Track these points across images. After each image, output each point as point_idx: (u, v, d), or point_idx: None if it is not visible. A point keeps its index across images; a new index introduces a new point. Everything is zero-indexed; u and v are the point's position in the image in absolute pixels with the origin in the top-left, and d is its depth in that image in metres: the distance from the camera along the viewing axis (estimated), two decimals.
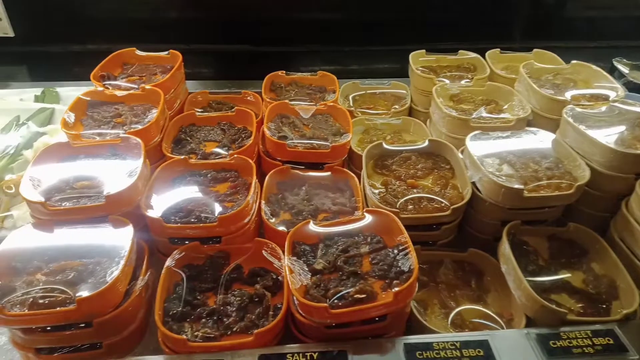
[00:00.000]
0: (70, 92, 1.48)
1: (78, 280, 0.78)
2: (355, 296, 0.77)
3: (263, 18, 1.79)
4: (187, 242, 0.90)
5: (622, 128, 1.05)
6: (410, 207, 0.98)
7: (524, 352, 0.77)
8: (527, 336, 0.79)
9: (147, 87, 1.22)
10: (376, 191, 1.02)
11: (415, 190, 1.02)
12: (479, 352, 0.75)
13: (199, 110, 1.30)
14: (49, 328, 0.74)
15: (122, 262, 0.78)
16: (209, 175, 1.06)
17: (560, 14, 1.96)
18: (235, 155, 1.07)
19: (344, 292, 0.78)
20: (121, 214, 0.89)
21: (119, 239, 0.85)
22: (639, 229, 0.90)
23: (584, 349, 0.77)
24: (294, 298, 0.76)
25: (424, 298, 0.93)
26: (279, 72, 1.45)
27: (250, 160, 1.05)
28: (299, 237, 0.88)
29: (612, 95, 1.16)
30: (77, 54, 1.78)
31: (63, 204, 0.88)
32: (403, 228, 0.86)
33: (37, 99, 1.43)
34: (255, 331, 0.74)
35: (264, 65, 1.56)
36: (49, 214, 0.86)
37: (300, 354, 0.74)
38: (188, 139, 1.19)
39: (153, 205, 0.94)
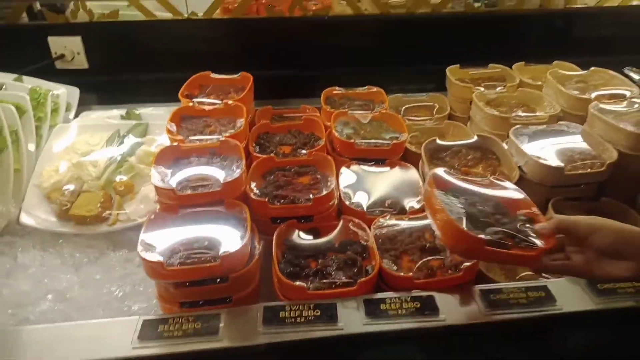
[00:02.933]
0: (148, 111, 1.71)
1: (212, 246, 0.96)
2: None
3: (307, 45, 2.03)
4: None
5: None
6: None
7: (576, 293, 0.93)
8: (577, 282, 0.96)
9: (230, 102, 1.44)
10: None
11: (467, 176, 1.21)
12: (541, 293, 0.93)
13: (269, 121, 1.51)
14: (192, 284, 0.93)
15: (248, 228, 0.97)
16: (292, 170, 1.25)
17: (572, 32, 2.18)
18: (314, 152, 1.27)
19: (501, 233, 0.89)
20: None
21: (238, 215, 1.04)
22: None
23: (627, 289, 0.93)
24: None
25: (487, 266, 1.11)
26: (333, 88, 1.67)
27: (328, 156, 1.25)
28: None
29: (628, 93, 1.36)
30: (144, 81, 2.03)
31: (186, 192, 1.08)
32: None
33: (124, 118, 1.66)
34: (359, 280, 0.92)
35: (312, 86, 1.79)
36: (177, 198, 1.06)
37: (396, 298, 0.91)
38: (266, 144, 1.39)
39: (255, 192, 1.14)
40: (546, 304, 0.91)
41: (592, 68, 1.55)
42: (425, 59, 2.01)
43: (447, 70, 1.66)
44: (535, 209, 0.97)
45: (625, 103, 1.29)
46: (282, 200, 1.11)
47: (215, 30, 1.98)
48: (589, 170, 1.12)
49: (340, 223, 1.10)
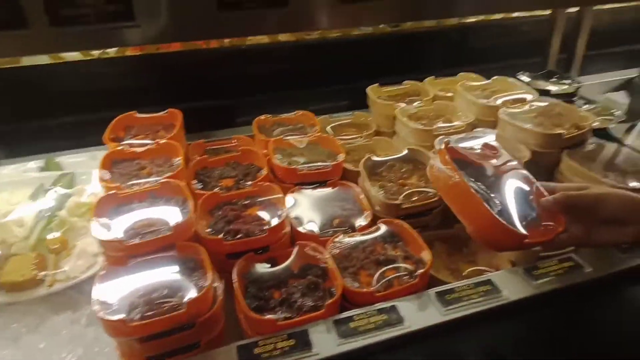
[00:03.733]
0: (69, 160, 1.61)
1: (173, 294, 0.94)
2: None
3: (228, 75, 2.05)
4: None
5: (542, 118, 1.42)
6: (407, 199, 1.25)
7: (516, 282, 1.05)
8: (516, 271, 1.07)
9: (162, 141, 1.41)
10: (378, 192, 1.28)
11: (405, 188, 1.30)
12: (488, 287, 1.02)
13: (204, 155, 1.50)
14: (157, 335, 0.89)
15: (207, 268, 0.96)
16: (239, 202, 1.26)
17: (470, 45, 2.42)
18: (259, 183, 1.28)
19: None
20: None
21: (193, 257, 1.02)
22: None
23: (557, 271, 1.06)
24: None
25: (434, 267, 1.19)
26: (264, 116, 1.70)
27: (274, 185, 1.27)
28: None
29: (528, 97, 1.55)
30: (58, 128, 1.90)
31: (133, 241, 1.04)
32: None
33: (43, 169, 1.54)
34: (326, 303, 0.95)
35: (236, 114, 1.81)
36: (126, 249, 1.01)
37: (363, 314, 0.96)
38: (207, 179, 1.38)
39: (208, 231, 1.12)
40: (494, 295, 1.01)
41: (495, 77, 1.74)
42: (344, 80, 2.12)
43: (368, 90, 1.76)
44: (536, 184, 1.04)
45: (527, 106, 1.47)
46: (236, 235, 1.11)
47: (130, 68, 1.92)
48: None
49: (296, 249, 1.12)
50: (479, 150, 1.18)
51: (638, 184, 1.17)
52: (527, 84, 1.99)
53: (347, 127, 1.79)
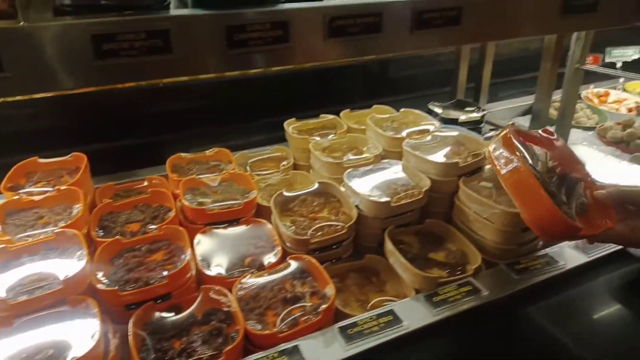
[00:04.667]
0: None
1: (58, 354, 0.88)
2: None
3: (147, 113, 2.02)
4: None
5: (444, 147, 1.50)
6: (317, 234, 1.26)
7: (418, 310, 1.08)
8: (418, 299, 1.11)
9: (62, 187, 1.34)
10: (288, 228, 1.29)
11: (316, 222, 1.31)
12: (389, 317, 1.04)
13: (111, 200, 1.44)
14: None
15: (98, 324, 0.91)
16: (143, 248, 1.21)
17: (386, 76, 2.54)
18: (165, 226, 1.25)
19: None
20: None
21: (85, 311, 0.97)
22: (468, 212, 1.31)
23: (455, 296, 1.11)
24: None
25: (343, 299, 1.20)
26: (177, 155, 1.67)
27: (180, 227, 1.24)
28: None
29: (431, 128, 1.63)
30: None
31: (20, 298, 0.97)
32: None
33: None
34: (225, 350, 0.93)
35: (157, 152, 1.77)
36: (10, 308, 0.95)
37: (265, 357, 0.94)
38: (111, 225, 1.33)
39: (103, 282, 1.07)
40: (395, 325, 1.03)
41: (402, 109, 1.83)
42: (264, 114, 2.15)
43: (285, 124, 1.79)
44: (588, 176, 1.07)
45: (429, 137, 1.55)
46: (133, 285, 1.07)
47: (41, 109, 1.84)
48: (410, 199, 1.31)
49: (201, 294, 1.09)
50: (539, 135, 1.16)
51: None
52: (438, 113, 2.11)
53: (267, 161, 1.80)
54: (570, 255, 1.27)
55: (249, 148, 1.90)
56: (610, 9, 1.36)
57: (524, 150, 1.07)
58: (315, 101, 2.22)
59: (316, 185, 1.44)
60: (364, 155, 1.55)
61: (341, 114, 1.90)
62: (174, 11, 0.90)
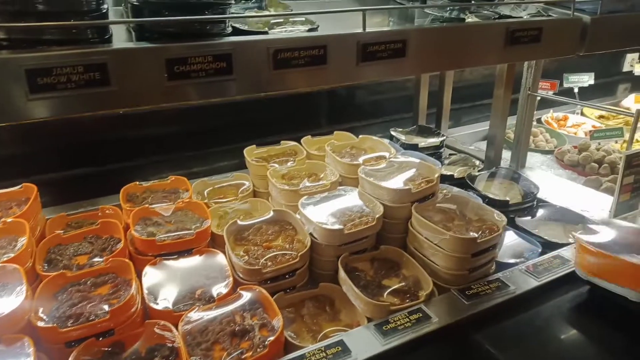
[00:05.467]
0: None
1: None
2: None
3: (103, 139, 1.99)
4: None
5: (399, 174, 1.52)
6: (270, 263, 1.25)
7: (367, 340, 1.07)
8: (368, 328, 1.10)
9: (9, 220, 1.30)
10: (240, 258, 1.27)
11: (270, 251, 1.30)
12: (338, 348, 1.03)
13: (61, 231, 1.41)
14: None
15: None
16: (88, 282, 1.18)
17: (352, 102, 2.57)
18: (111, 259, 1.22)
19: None
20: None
21: (20, 352, 0.93)
22: (421, 238, 1.32)
23: (405, 324, 1.10)
24: None
25: (296, 330, 1.18)
26: (133, 184, 1.65)
27: (126, 260, 1.21)
28: None
29: (387, 155, 1.65)
30: None
31: None
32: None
33: None
34: None
35: (114, 181, 1.74)
36: None
37: None
38: (58, 258, 1.29)
39: (44, 318, 1.03)
40: (343, 356, 1.01)
41: (361, 136, 1.86)
42: (230, 140, 2.14)
43: (245, 151, 1.79)
44: None
45: (385, 163, 1.57)
46: (75, 321, 1.03)
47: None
48: (363, 226, 1.32)
49: (145, 329, 1.06)
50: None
51: (475, 234, 1.28)
52: (399, 139, 2.15)
53: (227, 189, 1.79)
54: (521, 279, 1.29)
55: (214, 175, 1.90)
56: (554, 40, 1.42)
57: None
58: (282, 127, 2.23)
59: (271, 213, 1.44)
60: (320, 182, 1.56)
61: (302, 141, 1.91)
62: (115, 44, 0.90)
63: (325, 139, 1.95)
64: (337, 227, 1.29)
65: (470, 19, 1.34)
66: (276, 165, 1.68)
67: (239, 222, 1.39)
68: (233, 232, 1.37)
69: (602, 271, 1.23)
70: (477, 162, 2.05)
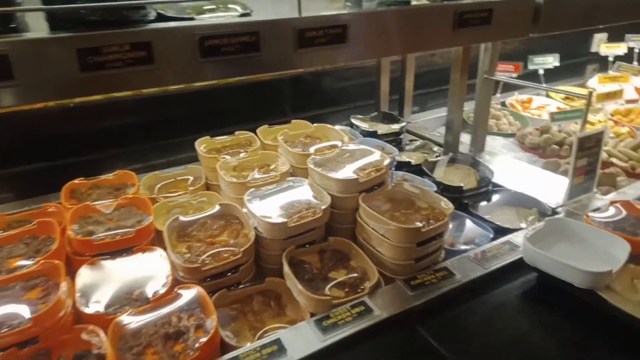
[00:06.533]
0: None
1: None
2: None
3: (55, 133, 1.91)
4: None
5: (350, 163, 1.49)
6: (211, 260, 1.21)
7: (306, 337, 1.04)
8: (309, 324, 1.07)
9: None
10: (181, 256, 1.23)
11: (213, 247, 1.26)
12: (274, 347, 1.00)
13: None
14: None
15: None
16: (17, 286, 1.12)
17: (317, 88, 2.51)
18: (42, 261, 1.16)
19: None
20: None
21: None
22: (368, 229, 1.29)
23: (346, 318, 1.08)
24: None
25: (236, 328, 1.15)
26: (77, 180, 1.58)
27: (57, 261, 1.16)
28: None
29: (339, 144, 1.61)
30: None
31: None
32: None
33: None
34: None
35: (65, 177, 1.67)
36: None
37: None
38: None
39: None
40: (278, 356, 0.98)
41: (315, 124, 1.81)
42: (188, 131, 2.08)
43: (196, 143, 1.73)
44: None
45: (336, 152, 1.53)
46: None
47: None
48: (309, 218, 1.28)
49: (72, 335, 1.01)
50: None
51: (421, 223, 1.25)
52: (358, 126, 2.11)
53: (180, 182, 1.74)
54: (468, 267, 1.28)
55: (174, 167, 1.84)
56: (505, 22, 1.38)
57: None
58: (246, 115, 2.17)
59: (217, 208, 1.39)
60: (270, 174, 1.51)
61: (258, 131, 1.86)
62: (22, 35, 0.84)
63: (282, 128, 1.90)
64: (281, 220, 1.25)
65: (417, 1, 1.30)
66: (227, 157, 1.63)
67: (182, 219, 1.34)
68: (175, 228, 1.33)
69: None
70: (436, 148, 2.03)
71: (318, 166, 1.44)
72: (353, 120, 2.15)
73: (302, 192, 1.42)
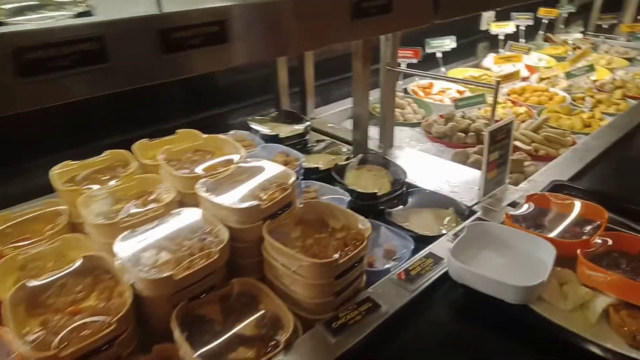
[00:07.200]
0: None
1: None
2: None
3: None
4: None
5: (250, 183, 1.25)
6: (74, 336, 0.92)
7: None
8: None
9: None
10: (31, 338, 0.92)
11: (77, 317, 0.97)
12: None
13: None
14: None
15: None
16: None
17: (213, 85, 2.19)
18: None
19: None
20: None
21: None
22: (278, 265, 1.08)
23: None
24: None
25: None
26: None
27: None
28: None
29: (236, 158, 1.37)
30: None
31: None
32: None
33: None
34: None
35: None
36: None
37: None
38: None
39: None
40: None
41: (204, 135, 1.54)
42: (49, 150, 1.68)
43: (51, 173, 1.38)
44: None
45: (231, 171, 1.29)
46: None
47: None
48: (203, 263, 1.04)
49: None
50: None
51: (337, 252, 1.07)
52: (258, 130, 1.88)
53: (36, 223, 1.37)
54: (393, 292, 1.13)
55: (31, 199, 1.46)
56: (406, 10, 1.24)
57: None
58: (113, 127, 1.82)
59: (80, 261, 1.08)
60: (149, 207, 1.23)
61: (134, 146, 1.54)
62: None
63: (167, 140, 1.60)
64: (164, 274, 0.99)
65: None
66: (93, 187, 1.31)
67: (30, 284, 1.02)
68: (23, 298, 1.00)
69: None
70: (345, 149, 1.87)
71: (210, 191, 1.19)
72: (251, 124, 1.91)
73: (193, 228, 1.16)
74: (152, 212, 1.20)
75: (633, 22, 3.40)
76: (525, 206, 1.37)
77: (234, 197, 1.18)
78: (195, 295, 1.06)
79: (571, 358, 1.01)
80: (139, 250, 1.08)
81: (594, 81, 2.80)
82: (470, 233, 1.24)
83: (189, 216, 1.19)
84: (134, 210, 1.22)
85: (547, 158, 1.97)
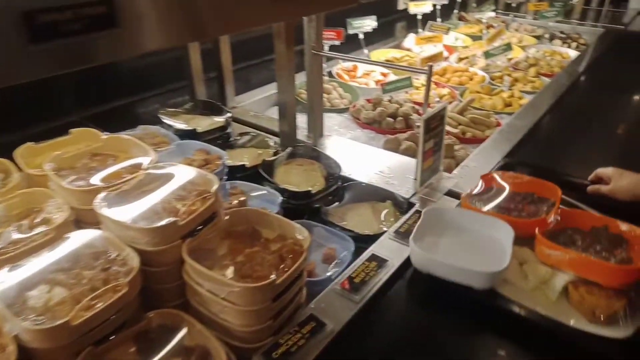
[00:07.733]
0: None
1: None
2: None
3: None
4: None
5: (163, 193, 1.06)
6: None
7: None
8: None
9: None
10: None
11: None
12: None
13: None
14: None
15: None
16: None
17: (106, 72, 1.90)
18: None
19: None
20: None
21: None
22: (203, 292, 0.92)
23: None
24: None
25: None
26: None
27: None
28: None
29: (145, 161, 1.17)
30: None
31: None
32: None
33: None
34: None
35: None
36: None
37: None
38: None
39: None
40: None
41: (104, 136, 1.30)
42: None
43: None
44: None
45: (138, 180, 1.08)
46: None
47: None
48: (109, 300, 0.84)
49: None
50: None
51: (274, 270, 0.93)
52: (171, 125, 1.66)
53: None
54: (339, 306, 1.02)
55: None
56: None
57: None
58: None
59: None
60: (38, 230, 1.00)
61: (17, 152, 1.26)
62: None
63: (57, 143, 1.34)
64: (56, 322, 0.79)
65: None
66: None
67: None
68: None
69: None
70: (272, 142, 1.71)
71: (114, 206, 0.99)
72: (163, 118, 1.68)
73: (94, 254, 0.95)
74: (40, 237, 0.97)
75: (539, 1, 3.54)
76: (480, 186, 1.35)
77: (143, 213, 0.99)
78: (103, 336, 0.87)
79: (537, 336, 0.98)
80: (23, 288, 0.86)
81: (510, 59, 2.88)
82: (426, 219, 1.19)
83: (88, 240, 0.98)
84: (16, 236, 0.98)
85: (474, 140, 1.97)
